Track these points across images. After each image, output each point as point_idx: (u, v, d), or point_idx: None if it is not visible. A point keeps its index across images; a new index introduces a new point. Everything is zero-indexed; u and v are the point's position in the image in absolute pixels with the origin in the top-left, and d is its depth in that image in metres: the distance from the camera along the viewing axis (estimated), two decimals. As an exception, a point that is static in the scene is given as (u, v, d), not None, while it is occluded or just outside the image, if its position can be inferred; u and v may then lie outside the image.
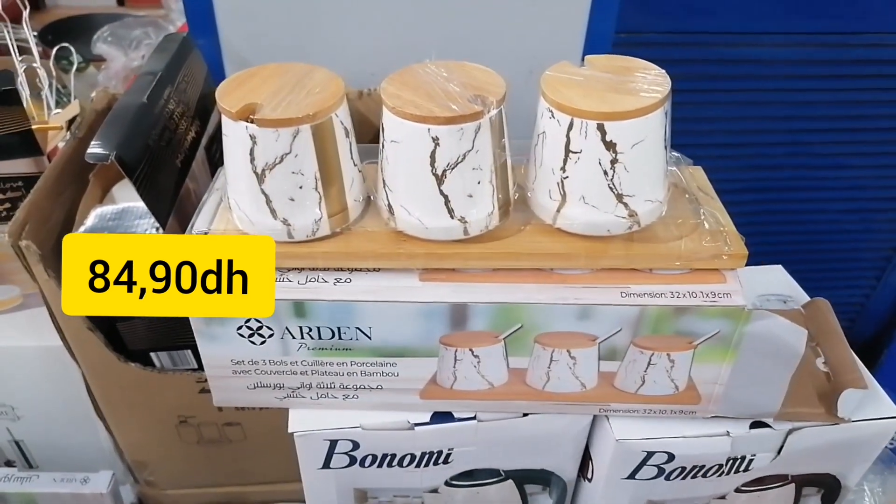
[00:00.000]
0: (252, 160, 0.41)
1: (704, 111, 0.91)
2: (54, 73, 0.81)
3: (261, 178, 0.42)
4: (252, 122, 0.40)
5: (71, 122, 0.67)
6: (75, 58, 0.86)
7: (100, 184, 0.56)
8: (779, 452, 0.50)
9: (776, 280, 0.62)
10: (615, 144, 0.40)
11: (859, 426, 0.50)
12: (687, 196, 0.48)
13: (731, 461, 0.51)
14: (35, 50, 0.83)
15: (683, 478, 0.51)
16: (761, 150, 0.98)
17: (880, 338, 1.18)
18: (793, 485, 0.55)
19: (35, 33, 0.86)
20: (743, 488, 0.54)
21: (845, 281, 1.15)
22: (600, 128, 0.40)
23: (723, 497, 0.54)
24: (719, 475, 0.52)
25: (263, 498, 0.72)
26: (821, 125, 0.95)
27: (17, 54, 0.79)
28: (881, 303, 1.19)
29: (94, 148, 0.47)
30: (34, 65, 0.79)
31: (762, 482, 0.53)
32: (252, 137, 0.40)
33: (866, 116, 0.95)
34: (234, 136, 0.41)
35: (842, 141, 0.98)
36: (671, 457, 0.49)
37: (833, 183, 1.02)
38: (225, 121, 0.42)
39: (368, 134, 0.64)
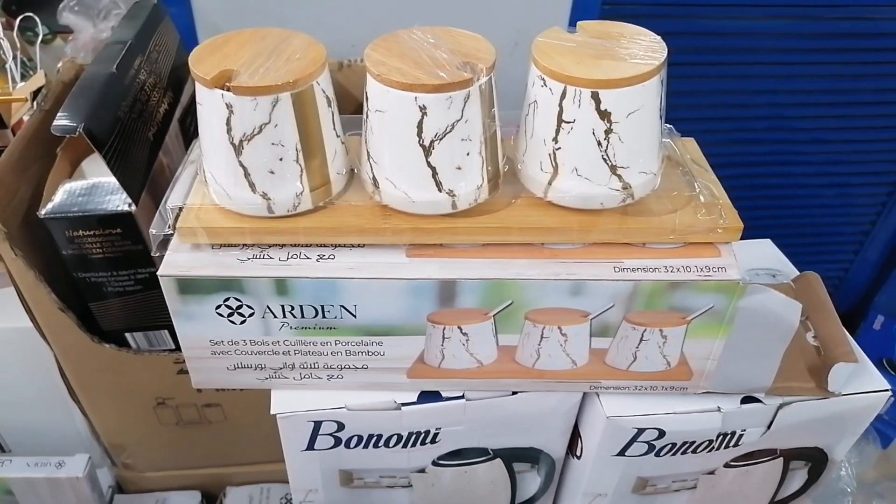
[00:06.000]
0: (229, 131, 0.39)
1: (686, 84, 0.90)
2: (19, 45, 0.78)
3: (238, 149, 0.40)
4: (228, 89, 0.38)
5: (36, 93, 0.64)
6: (41, 28, 0.82)
7: (68, 158, 0.54)
8: (769, 427, 0.50)
9: (765, 254, 0.62)
10: (610, 114, 0.39)
11: (849, 400, 0.50)
12: (681, 168, 0.47)
13: (722, 437, 0.50)
14: (-2, 20, 0.79)
15: (674, 454, 0.51)
16: (743, 123, 0.98)
17: (857, 312, 1.20)
18: (781, 459, 0.55)
19: (-2, 3, 0.82)
20: (732, 463, 0.54)
21: (824, 255, 1.16)
22: (594, 96, 0.38)
23: (712, 472, 0.54)
24: (709, 451, 0.51)
25: (245, 479, 0.71)
26: (801, 99, 0.95)
27: (-21, 25, 0.76)
28: (859, 277, 1.20)
29: (61, 120, 0.45)
30: (-3, 36, 0.75)
31: (751, 457, 0.53)
32: (228, 106, 0.38)
33: (845, 90, 0.95)
34: (210, 105, 0.39)
35: (821, 115, 0.98)
36: (661, 433, 0.49)
37: (812, 157, 1.03)
38: (199, 89, 0.39)
39: (349, 107, 0.62)
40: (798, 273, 0.59)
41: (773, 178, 1.04)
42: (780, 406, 0.49)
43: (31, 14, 0.82)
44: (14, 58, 0.75)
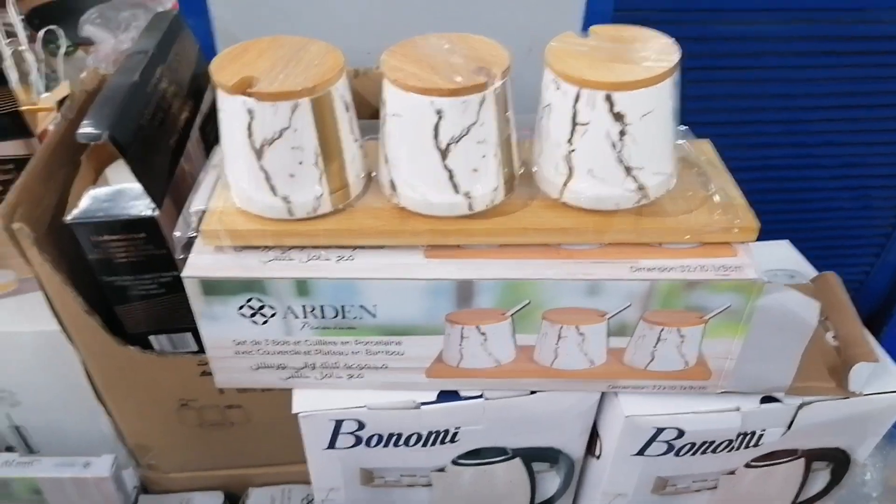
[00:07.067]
0: (250, 136, 0.40)
1: (701, 89, 0.90)
2: (42, 57, 0.79)
3: (259, 154, 0.41)
4: (249, 95, 0.39)
5: (61, 103, 0.66)
6: (63, 41, 0.84)
7: (92, 165, 0.55)
8: (789, 427, 0.50)
9: (783, 255, 0.61)
10: (623, 116, 0.39)
11: (870, 399, 0.50)
12: (696, 169, 0.47)
13: (742, 436, 0.50)
14: (22, 34, 0.81)
15: (693, 454, 0.51)
16: (759, 128, 0.97)
17: (880, 315, 1.19)
18: (802, 459, 0.54)
19: (22, 16, 0.84)
20: (753, 464, 0.53)
21: (845, 258, 1.15)
22: (608, 98, 0.39)
23: (732, 472, 0.54)
24: (729, 451, 0.51)
25: (267, 480, 0.72)
26: (818, 102, 0.95)
27: (4, 38, 0.77)
28: (880, 280, 1.19)
29: (86, 127, 0.46)
30: (21, 48, 0.77)
31: (772, 457, 0.53)
32: (249, 112, 0.39)
33: (862, 93, 0.94)
34: (231, 110, 0.40)
35: (838, 118, 0.97)
36: (681, 433, 0.49)
37: (831, 161, 1.02)
38: (220, 95, 0.40)
39: (365, 114, 0.63)
40: (817, 274, 0.59)
41: (791, 181, 1.04)
42: (801, 406, 0.49)
43: (53, 27, 0.84)
44: (38, 70, 0.77)
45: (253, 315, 0.44)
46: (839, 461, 0.56)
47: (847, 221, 1.10)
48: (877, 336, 0.52)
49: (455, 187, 0.42)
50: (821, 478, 0.58)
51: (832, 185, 1.05)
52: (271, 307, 0.44)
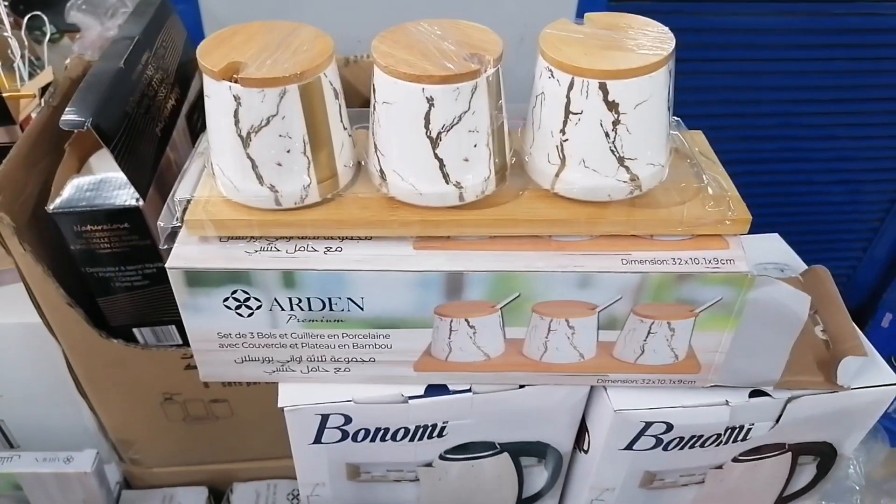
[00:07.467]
0: (236, 123, 0.39)
1: (695, 81, 0.90)
2: (27, 44, 0.78)
3: (246, 141, 0.40)
4: (236, 81, 0.38)
5: (44, 90, 0.64)
6: (48, 27, 0.82)
7: (76, 153, 0.54)
8: (777, 421, 0.50)
9: (773, 248, 0.61)
10: (618, 105, 0.39)
11: (858, 394, 0.50)
12: (689, 161, 0.47)
13: (730, 431, 0.50)
14: (6, 19, 0.79)
15: (681, 448, 0.51)
16: (752, 120, 0.97)
17: (865, 309, 1.19)
18: (789, 453, 0.54)
19: (6, 2, 0.82)
20: (740, 458, 0.53)
21: (833, 252, 1.16)
22: (602, 87, 0.38)
23: (720, 467, 0.54)
24: (717, 445, 0.51)
25: (252, 475, 0.71)
26: (810, 95, 0.95)
27: (-12, 23, 0.76)
28: (867, 274, 1.20)
29: (69, 114, 0.45)
30: (5, 34, 0.75)
31: (759, 451, 0.53)
32: (236, 98, 0.38)
33: (854, 87, 0.95)
34: (218, 96, 0.39)
35: (830, 112, 0.97)
36: (669, 427, 0.49)
37: (822, 154, 1.02)
38: (207, 81, 0.39)
39: (356, 104, 0.62)
40: (806, 267, 0.59)
41: (782, 174, 1.04)
42: (789, 400, 0.49)
43: (38, 13, 0.82)
44: (22, 56, 0.75)
45: (238, 307, 0.43)
46: (826, 455, 0.56)
47: (836, 216, 1.11)
48: (862, 329, 0.52)
49: (445, 177, 0.41)
50: (807, 472, 0.58)
51: (823, 178, 1.06)
52: (257, 299, 0.43)
